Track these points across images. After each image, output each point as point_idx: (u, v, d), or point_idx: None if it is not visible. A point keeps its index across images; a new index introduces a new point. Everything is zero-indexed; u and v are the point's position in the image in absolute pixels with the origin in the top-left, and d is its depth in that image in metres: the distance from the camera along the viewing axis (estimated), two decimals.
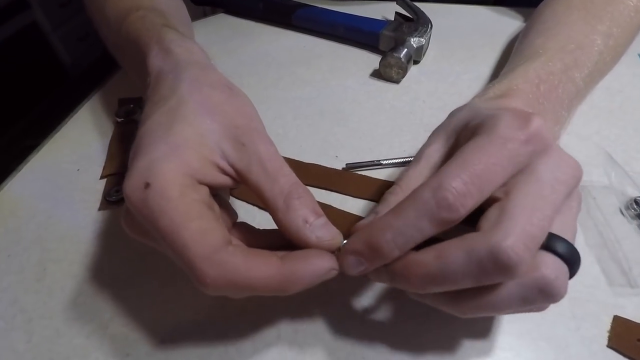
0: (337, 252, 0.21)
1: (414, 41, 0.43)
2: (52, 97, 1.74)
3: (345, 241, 0.21)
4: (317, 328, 0.25)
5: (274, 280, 0.19)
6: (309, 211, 0.21)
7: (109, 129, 0.39)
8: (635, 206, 0.29)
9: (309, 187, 0.32)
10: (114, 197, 0.32)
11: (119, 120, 0.39)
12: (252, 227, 0.24)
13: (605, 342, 0.24)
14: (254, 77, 0.45)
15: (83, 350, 0.25)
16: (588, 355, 0.23)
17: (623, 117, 0.37)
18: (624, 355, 0.23)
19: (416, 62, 0.45)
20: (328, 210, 0.31)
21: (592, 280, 0.26)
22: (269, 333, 0.25)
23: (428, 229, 0.18)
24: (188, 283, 0.27)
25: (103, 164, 0.35)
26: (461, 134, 0.23)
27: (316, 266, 0.20)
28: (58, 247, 0.30)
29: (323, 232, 0.21)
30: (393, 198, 0.22)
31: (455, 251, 0.18)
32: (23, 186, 0.35)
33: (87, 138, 0.39)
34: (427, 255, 0.19)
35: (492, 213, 0.19)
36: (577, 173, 0.20)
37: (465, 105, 0.26)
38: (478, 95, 0.28)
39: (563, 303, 0.25)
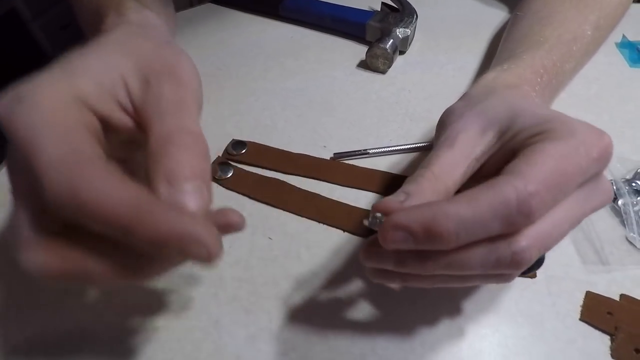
0: (377, 222, 0.19)
1: (400, 32, 0.44)
2: None
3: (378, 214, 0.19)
4: (306, 312, 0.26)
5: (126, 209, 0.15)
6: (183, 170, 0.17)
7: None
8: None
9: (297, 177, 0.34)
10: None
11: None
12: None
13: (578, 316, 0.25)
14: (242, 69, 0.45)
15: (80, 338, 0.25)
16: (562, 328, 0.25)
17: (599, 104, 0.39)
18: (595, 327, 0.25)
19: (402, 53, 0.46)
20: (317, 200, 0.32)
21: (567, 259, 0.28)
22: (261, 318, 0.26)
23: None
24: (181, 271, 0.28)
25: None
26: (509, 133, 0.21)
27: (182, 222, 0.15)
28: None
29: (186, 197, 0.16)
30: (427, 183, 0.20)
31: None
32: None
33: None
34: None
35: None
36: (603, 152, 0.19)
37: (489, 92, 0.25)
38: (484, 79, 0.28)
39: (539, 281, 0.27)
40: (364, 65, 0.45)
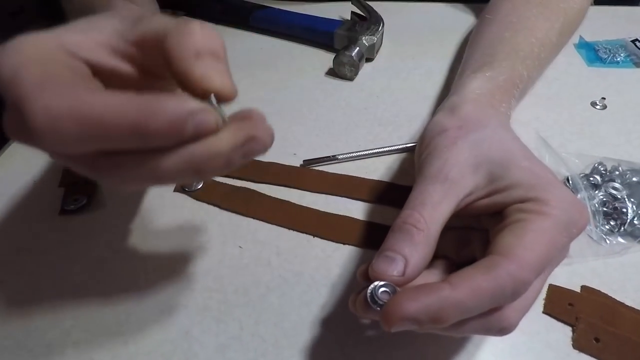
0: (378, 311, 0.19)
1: (366, 39, 0.45)
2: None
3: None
4: (276, 319, 0.26)
5: (129, 109, 0.15)
6: (209, 47, 0.17)
7: None
8: (567, 184, 0.31)
9: (267, 185, 0.34)
10: (72, 206, 0.32)
11: None
12: None
13: (541, 309, 0.26)
14: None
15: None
16: (526, 321, 0.25)
17: (559, 103, 0.40)
18: (557, 319, 0.25)
19: (369, 60, 0.47)
20: (287, 206, 0.33)
21: None
22: (232, 326, 0.26)
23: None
24: (148, 284, 0.28)
25: (60, 174, 0.35)
26: (500, 182, 0.22)
27: (179, 101, 0.15)
28: (15, 260, 0.30)
29: (214, 72, 0.17)
30: (421, 236, 0.20)
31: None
32: None
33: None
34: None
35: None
36: (581, 229, 0.21)
37: (482, 117, 0.25)
38: (469, 89, 0.28)
39: None
40: (332, 73, 0.45)
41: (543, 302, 0.26)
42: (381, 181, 0.34)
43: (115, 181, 0.17)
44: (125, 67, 0.19)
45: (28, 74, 0.15)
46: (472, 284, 0.18)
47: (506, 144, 0.24)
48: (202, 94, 0.17)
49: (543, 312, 0.26)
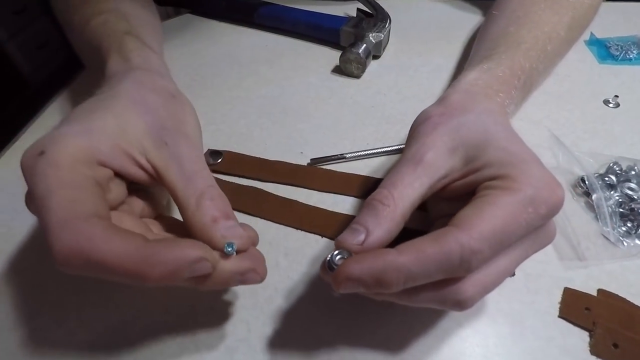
0: (329, 271, 0.20)
1: (373, 36, 0.44)
2: (11, 108, 1.67)
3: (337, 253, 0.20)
4: (285, 321, 0.26)
5: (131, 259, 0.17)
6: (220, 213, 0.21)
7: None
8: (581, 184, 0.31)
9: (274, 184, 0.34)
10: None
11: None
12: (177, 221, 0.25)
13: (557, 313, 0.25)
14: (217, 78, 0.45)
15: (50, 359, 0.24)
16: (541, 326, 0.25)
17: (571, 100, 0.39)
18: (574, 323, 0.24)
19: (376, 57, 0.46)
20: (295, 206, 0.32)
21: (544, 256, 0.28)
22: (240, 329, 0.26)
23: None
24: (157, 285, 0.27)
25: None
26: (475, 163, 0.22)
27: (181, 252, 0.18)
28: (21, 258, 0.29)
29: (230, 232, 0.21)
30: (386, 211, 0.21)
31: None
32: None
33: None
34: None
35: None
36: (553, 207, 0.20)
37: (468, 102, 0.25)
38: (465, 81, 0.28)
39: (518, 279, 0.27)
40: (338, 70, 0.45)
41: (559, 305, 0.25)
42: None
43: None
44: (141, 175, 0.22)
45: (57, 206, 0.18)
46: (418, 250, 0.18)
47: (487, 127, 0.23)
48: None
49: (559, 317, 0.25)
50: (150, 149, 0.22)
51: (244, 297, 0.27)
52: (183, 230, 0.22)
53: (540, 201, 0.20)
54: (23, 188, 0.34)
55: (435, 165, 0.22)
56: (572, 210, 0.30)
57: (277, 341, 0.25)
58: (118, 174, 0.22)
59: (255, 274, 0.21)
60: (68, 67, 0.45)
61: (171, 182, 0.22)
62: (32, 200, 0.19)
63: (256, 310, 0.26)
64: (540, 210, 0.20)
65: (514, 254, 0.21)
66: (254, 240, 0.23)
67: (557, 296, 0.26)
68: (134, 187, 0.23)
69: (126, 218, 0.22)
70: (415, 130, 0.25)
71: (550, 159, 0.33)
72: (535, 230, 0.20)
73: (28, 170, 0.19)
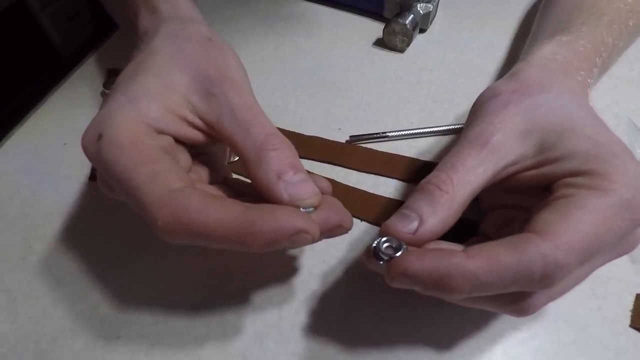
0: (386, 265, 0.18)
1: (421, 7, 0.41)
2: (43, 77, 1.69)
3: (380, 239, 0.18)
4: (320, 309, 0.24)
5: (231, 227, 0.17)
6: (285, 165, 0.19)
7: (97, 101, 0.37)
8: None
9: (310, 161, 0.31)
10: None
11: (107, 91, 0.37)
12: (245, 182, 0.23)
13: (628, 321, 0.22)
14: (250, 47, 0.42)
15: (71, 332, 0.23)
16: (610, 335, 0.22)
17: None
18: None
19: (423, 31, 0.43)
20: (332, 185, 0.29)
21: None
22: (270, 314, 0.24)
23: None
24: (184, 260, 0.26)
25: None
26: (552, 152, 0.19)
27: (281, 222, 0.17)
28: (44, 224, 0.28)
29: (297, 189, 0.18)
30: (444, 198, 0.18)
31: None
32: (6, 162, 0.33)
33: (74, 111, 0.37)
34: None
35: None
36: None
37: (544, 79, 0.22)
38: (540, 54, 0.24)
39: (583, 282, 0.24)
40: (380, 43, 0.41)
41: (630, 314, 0.22)
42: (435, 163, 0.30)
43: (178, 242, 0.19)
44: (197, 135, 0.21)
45: (143, 184, 0.17)
46: (491, 257, 0.16)
47: (569, 110, 0.20)
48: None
49: (630, 326, 0.22)
50: (199, 105, 0.20)
51: (276, 279, 0.25)
52: (254, 191, 0.20)
53: (639, 205, 0.17)
54: (49, 153, 0.34)
55: (503, 149, 0.19)
56: None
57: (310, 330, 0.23)
58: (177, 140, 0.20)
59: (342, 229, 0.20)
60: (98, 39, 0.44)
61: (228, 135, 0.20)
62: (111, 185, 0.19)
63: (289, 295, 0.24)
64: (638, 216, 0.17)
65: (595, 262, 0.18)
66: (327, 190, 0.21)
67: (629, 303, 0.23)
68: (193, 153, 0.22)
69: (200, 187, 0.20)
70: (481, 108, 0.22)
71: None
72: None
73: (93, 157, 0.19)
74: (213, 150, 0.24)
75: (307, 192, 0.19)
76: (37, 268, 0.26)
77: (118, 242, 0.27)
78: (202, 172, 0.22)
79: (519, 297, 0.17)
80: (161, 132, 0.20)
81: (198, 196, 0.17)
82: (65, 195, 0.30)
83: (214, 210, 0.17)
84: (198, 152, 0.22)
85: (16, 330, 0.23)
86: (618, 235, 0.16)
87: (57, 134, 0.34)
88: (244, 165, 0.19)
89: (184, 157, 0.21)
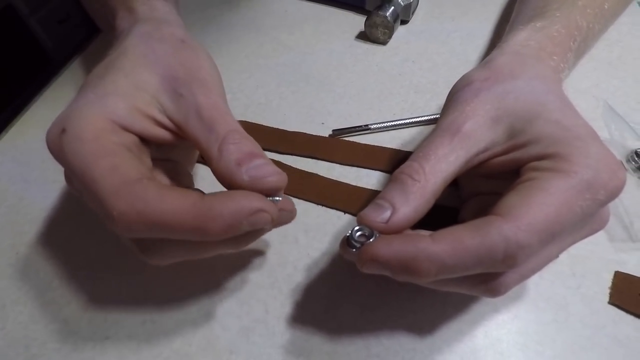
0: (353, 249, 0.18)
1: None
2: (35, 83, 1.69)
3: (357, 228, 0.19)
4: (305, 301, 0.24)
5: (189, 215, 0.17)
6: (245, 154, 0.19)
7: None
8: (636, 158, 0.27)
9: (293, 157, 0.31)
10: None
11: None
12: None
13: (607, 299, 0.23)
14: (234, 45, 0.42)
15: (60, 335, 0.23)
16: (589, 313, 0.22)
17: (622, 67, 0.35)
18: (626, 311, 0.22)
19: (404, 22, 0.43)
20: (315, 179, 0.30)
21: (592, 237, 0.24)
22: (256, 308, 0.24)
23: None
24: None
25: None
26: (521, 137, 0.19)
27: (238, 204, 0.17)
28: (31, 230, 0.28)
29: (257, 171, 0.18)
30: (416, 187, 0.19)
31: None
32: None
33: None
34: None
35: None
36: (612, 192, 0.18)
37: (516, 66, 0.22)
38: (514, 41, 0.24)
39: (562, 261, 0.24)
40: (363, 36, 0.41)
41: (609, 291, 0.23)
42: None
43: (157, 260, 0.20)
44: (164, 134, 0.21)
45: (101, 177, 0.17)
46: (455, 240, 0.16)
47: (538, 95, 0.20)
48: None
49: (609, 303, 0.22)
50: (167, 104, 0.20)
51: (261, 274, 0.25)
52: None
53: (599, 186, 0.17)
54: (34, 158, 0.34)
55: (474, 136, 0.20)
56: (625, 187, 0.27)
57: (296, 322, 0.23)
58: (144, 140, 0.21)
59: (293, 213, 0.21)
60: (90, 42, 0.44)
61: (193, 135, 0.20)
62: (72, 179, 0.19)
63: (274, 290, 0.25)
64: (599, 196, 0.17)
65: (561, 242, 0.18)
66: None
67: (607, 280, 0.23)
68: (158, 157, 0.22)
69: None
70: (454, 97, 0.22)
71: (601, 130, 0.30)
72: (587, 217, 0.18)
73: (56, 151, 0.19)
74: (178, 158, 0.24)
75: (267, 171, 0.19)
76: (24, 274, 0.26)
77: (104, 245, 0.27)
78: (164, 180, 0.22)
79: (488, 278, 0.18)
80: (127, 130, 0.20)
81: (155, 186, 0.17)
82: (52, 200, 0.30)
83: (171, 198, 0.17)
84: (163, 158, 0.22)
85: (6, 335, 0.24)
86: (580, 215, 0.17)
87: (43, 139, 0.34)
88: (209, 164, 0.19)
89: (147, 160, 0.21)
